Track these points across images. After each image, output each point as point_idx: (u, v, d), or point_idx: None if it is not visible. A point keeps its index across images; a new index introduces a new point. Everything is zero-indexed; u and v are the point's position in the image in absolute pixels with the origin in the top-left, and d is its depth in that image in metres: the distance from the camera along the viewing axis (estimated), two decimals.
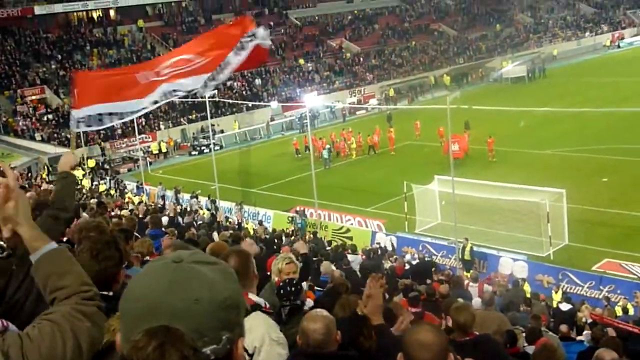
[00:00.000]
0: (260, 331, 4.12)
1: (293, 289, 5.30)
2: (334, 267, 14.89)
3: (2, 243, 2.83)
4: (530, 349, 9.10)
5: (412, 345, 3.28)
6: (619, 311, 18.14)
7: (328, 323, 4.10)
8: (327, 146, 43.41)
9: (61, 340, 2.25)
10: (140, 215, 20.73)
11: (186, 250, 1.77)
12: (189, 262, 1.67)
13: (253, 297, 4.37)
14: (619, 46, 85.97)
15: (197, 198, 35.20)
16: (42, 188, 22.88)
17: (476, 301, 14.65)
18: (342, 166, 42.27)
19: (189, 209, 31.97)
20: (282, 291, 5.31)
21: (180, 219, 26.23)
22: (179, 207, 31.64)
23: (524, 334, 10.30)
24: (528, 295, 18.77)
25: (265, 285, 6.23)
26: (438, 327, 3.47)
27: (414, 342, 3.29)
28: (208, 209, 32.86)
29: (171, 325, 1.54)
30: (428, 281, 16.79)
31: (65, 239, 6.47)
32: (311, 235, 26.89)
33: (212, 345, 1.58)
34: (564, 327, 12.93)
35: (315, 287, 10.76)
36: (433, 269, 19.84)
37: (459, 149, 36.16)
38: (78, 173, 42.02)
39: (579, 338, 13.12)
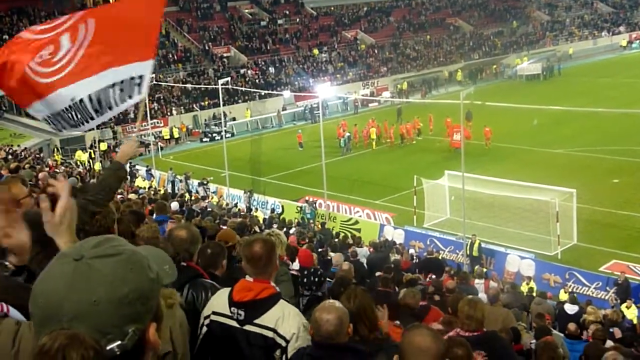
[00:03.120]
0: (296, 318, 4.19)
1: (317, 279, 5.22)
2: (343, 260, 14.91)
3: (7, 263, 2.84)
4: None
5: (408, 349, 3.25)
6: (625, 311, 18.08)
7: (341, 315, 4.10)
8: (347, 134, 43.56)
9: None
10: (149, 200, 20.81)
11: (92, 240, 1.73)
12: (89, 257, 1.65)
13: (274, 285, 4.42)
14: (631, 46, 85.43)
15: (207, 184, 35.30)
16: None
17: (482, 297, 14.65)
18: (353, 158, 42.19)
19: (199, 195, 32.08)
20: (305, 280, 5.27)
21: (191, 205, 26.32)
22: (187, 194, 31.79)
23: (529, 332, 10.29)
24: (534, 294, 18.77)
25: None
26: (435, 332, 3.41)
27: (410, 345, 3.26)
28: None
29: (72, 328, 1.56)
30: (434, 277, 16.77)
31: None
32: (319, 226, 26.96)
33: (117, 342, 1.59)
34: (572, 326, 12.92)
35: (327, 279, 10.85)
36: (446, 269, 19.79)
37: (459, 139, 35.96)
38: (84, 156, 42.20)
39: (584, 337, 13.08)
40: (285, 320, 4.14)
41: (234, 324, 4.23)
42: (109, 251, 1.67)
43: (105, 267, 1.63)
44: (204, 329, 4.32)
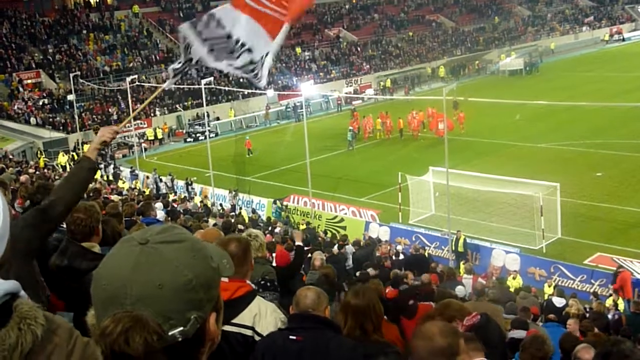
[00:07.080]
0: (272, 315, 4.29)
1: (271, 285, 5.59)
2: (324, 257, 14.89)
3: None
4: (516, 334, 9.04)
5: (415, 333, 3.30)
6: (609, 303, 18.20)
7: (319, 293, 4.33)
8: (350, 128, 43.75)
9: None
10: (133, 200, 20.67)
11: (155, 227, 1.74)
12: (155, 242, 1.64)
13: (250, 283, 4.50)
14: (607, 41, 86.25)
15: (191, 185, 35.22)
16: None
17: (470, 293, 14.72)
18: (338, 155, 42.15)
19: (182, 195, 32.01)
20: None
21: (174, 205, 26.24)
22: (172, 194, 31.71)
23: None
24: (519, 287, 18.86)
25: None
26: (449, 328, 3.36)
27: (416, 330, 3.30)
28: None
29: (136, 311, 1.53)
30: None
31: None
32: (304, 225, 26.94)
33: (179, 328, 1.57)
34: (551, 316, 13.11)
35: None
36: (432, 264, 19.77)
37: (443, 128, 35.96)
38: (63, 159, 41.89)
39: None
40: (262, 318, 4.21)
41: None
42: (173, 237, 1.67)
43: (171, 252, 1.62)
44: None
